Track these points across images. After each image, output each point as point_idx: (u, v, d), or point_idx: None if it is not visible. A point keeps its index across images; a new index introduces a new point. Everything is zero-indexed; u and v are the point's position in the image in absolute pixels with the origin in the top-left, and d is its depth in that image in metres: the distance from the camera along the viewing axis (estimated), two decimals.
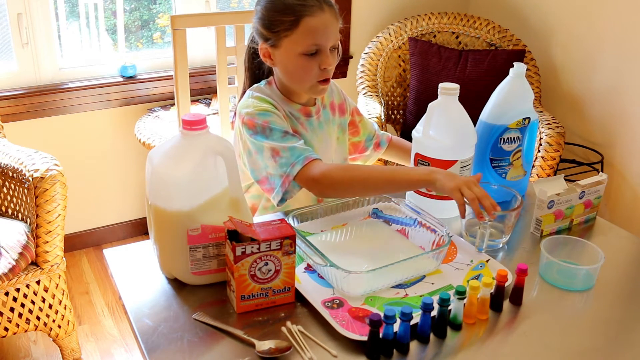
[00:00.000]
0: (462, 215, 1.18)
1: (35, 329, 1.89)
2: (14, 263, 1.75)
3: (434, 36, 2.74)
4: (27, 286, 1.82)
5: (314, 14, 1.29)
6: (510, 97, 1.39)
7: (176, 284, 1.11)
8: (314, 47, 1.30)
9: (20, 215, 1.95)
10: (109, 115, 2.55)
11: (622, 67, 2.42)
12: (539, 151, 2.23)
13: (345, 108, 1.55)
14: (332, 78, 1.46)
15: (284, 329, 1.00)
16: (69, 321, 1.95)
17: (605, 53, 2.48)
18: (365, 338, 0.95)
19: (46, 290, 1.86)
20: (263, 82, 1.44)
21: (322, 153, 1.47)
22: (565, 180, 1.34)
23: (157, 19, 2.66)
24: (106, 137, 2.58)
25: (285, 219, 1.09)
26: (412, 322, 0.96)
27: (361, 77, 2.65)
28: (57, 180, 1.77)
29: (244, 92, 1.46)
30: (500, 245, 1.27)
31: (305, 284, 1.11)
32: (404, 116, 2.74)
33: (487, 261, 1.17)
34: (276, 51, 1.34)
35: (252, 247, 0.98)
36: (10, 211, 1.99)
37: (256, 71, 1.47)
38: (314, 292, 1.08)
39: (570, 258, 1.18)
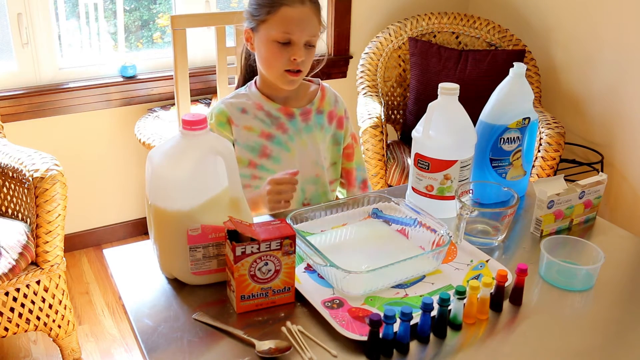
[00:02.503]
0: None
1: (35, 329, 1.89)
2: (14, 263, 1.75)
3: (434, 36, 2.74)
4: (27, 286, 1.82)
5: (293, 5, 1.35)
6: (510, 97, 1.39)
7: (176, 284, 1.12)
8: (287, 37, 1.35)
9: (20, 215, 1.95)
10: (109, 115, 2.55)
11: (622, 67, 2.42)
12: (539, 151, 2.23)
13: (343, 123, 1.56)
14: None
15: (284, 329, 1.00)
16: (69, 321, 1.95)
17: (605, 53, 2.48)
18: (365, 338, 0.95)
19: (46, 290, 1.86)
20: (245, 86, 1.50)
21: (301, 156, 1.48)
22: (565, 180, 1.34)
23: (157, 19, 2.66)
24: (106, 137, 2.58)
25: (285, 219, 1.09)
26: (412, 322, 0.96)
27: (361, 77, 2.65)
28: (57, 180, 1.77)
29: (236, 87, 1.54)
30: (495, 244, 1.27)
31: (305, 284, 1.11)
32: (404, 116, 2.74)
33: (487, 261, 1.17)
34: (255, 35, 1.40)
35: (252, 247, 0.98)
36: (10, 211, 1.99)
37: (248, 69, 1.54)
38: (314, 292, 1.08)
39: (570, 258, 1.18)
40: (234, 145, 1.44)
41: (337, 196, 1.62)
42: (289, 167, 1.46)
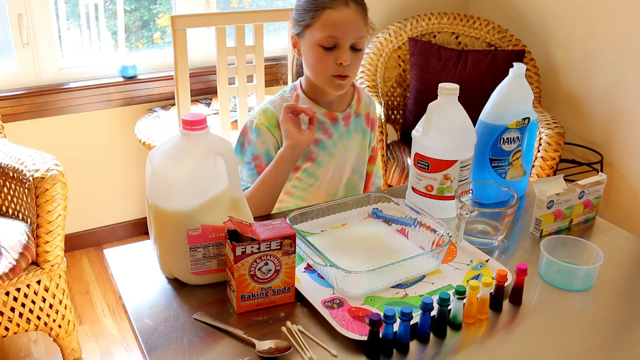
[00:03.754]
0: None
1: (36, 329, 1.89)
2: (14, 263, 1.75)
3: (434, 36, 2.74)
4: (28, 286, 1.82)
5: (337, 7, 1.32)
6: (510, 97, 1.39)
7: (176, 284, 1.12)
8: (331, 40, 1.32)
9: (20, 215, 1.95)
10: (109, 115, 2.55)
11: (622, 67, 2.42)
12: (538, 151, 2.24)
13: (375, 127, 1.57)
14: None
15: (284, 328, 1.00)
16: (69, 321, 1.96)
17: (605, 53, 2.48)
18: (365, 338, 0.95)
19: (47, 290, 1.86)
20: (291, 86, 1.47)
21: (342, 161, 1.48)
22: (565, 180, 1.34)
23: (158, 19, 2.66)
24: (106, 137, 2.58)
25: (285, 219, 1.09)
26: (412, 322, 0.96)
27: (361, 77, 2.65)
28: (57, 180, 1.77)
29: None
30: (495, 244, 1.27)
31: (305, 284, 1.11)
32: (404, 116, 2.74)
33: (487, 261, 1.17)
34: (301, 41, 1.38)
35: (252, 247, 0.99)
36: (10, 211, 1.99)
37: (297, 76, 1.52)
38: (314, 292, 1.08)
39: (570, 258, 1.18)
40: (279, 148, 1.39)
41: None
42: (330, 172, 1.46)
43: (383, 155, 2.33)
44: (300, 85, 1.45)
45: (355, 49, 1.34)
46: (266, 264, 1.01)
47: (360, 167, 1.55)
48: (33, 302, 1.84)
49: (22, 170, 1.82)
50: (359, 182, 1.55)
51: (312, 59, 1.36)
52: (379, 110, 2.40)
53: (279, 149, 1.38)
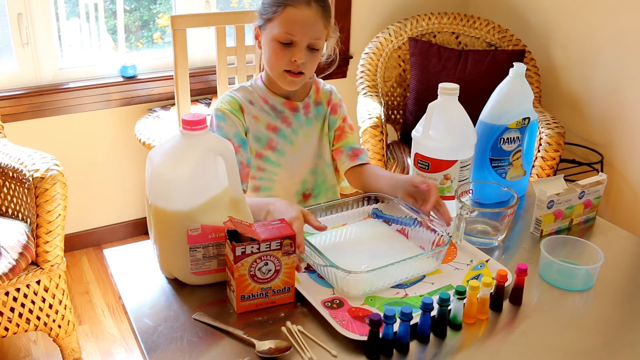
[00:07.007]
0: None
1: (36, 329, 1.89)
2: (14, 263, 1.75)
3: (434, 36, 2.74)
4: (28, 286, 1.82)
5: (298, 6, 1.34)
6: (510, 97, 1.39)
7: (176, 284, 1.12)
8: (288, 37, 1.34)
9: (20, 215, 1.95)
10: (109, 115, 2.55)
11: (622, 67, 2.42)
12: (538, 151, 2.24)
13: (337, 110, 1.56)
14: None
15: (284, 329, 1.00)
16: (69, 321, 1.95)
17: (605, 53, 2.48)
18: (365, 338, 0.95)
19: (46, 290, 1.86)
20: (249, 81, 1.50)
21: (304, 149, 1.49)
22: (565, 180, 1.34)
23: (157, 19, 2.66)
24: (106, 137, 2.58)
25: (285, 219, 1.09)
26: (412, 322, 0.96)
27: (361, 77, 2.65)
28: (57, 180, 1.77)
29: None
30: (495, 244, 1.27)
31: (305, 284, 1.11)
32: (404, 116, 2.74)
33: (487, 261, 1.17)
34: (262, 33, 1.41)
35: (252, 247, 0.99)
36: (10, 211, 1.99)
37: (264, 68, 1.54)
38: (314, 292, 1.08)
39: (570, 258, 1.18)
40: (246, 133, 1.44)
41: (341, 186, 1.63)
42: (292, 160, 1.47)
43: (383, 155, 2.33)
44: (261, 77, 1.49)
45: (312, 49, 1.37)
46: (266, 264, 1.01)
47: (324, 154, 1.54)
48: (33, 302, 1.84)
49: (21, 170, 1.82)
50: (325, 168, 1.55)
51: (269, 52, 1.39)
52: (379, 110, 2.40)
53: (245, 130, 1.44)
